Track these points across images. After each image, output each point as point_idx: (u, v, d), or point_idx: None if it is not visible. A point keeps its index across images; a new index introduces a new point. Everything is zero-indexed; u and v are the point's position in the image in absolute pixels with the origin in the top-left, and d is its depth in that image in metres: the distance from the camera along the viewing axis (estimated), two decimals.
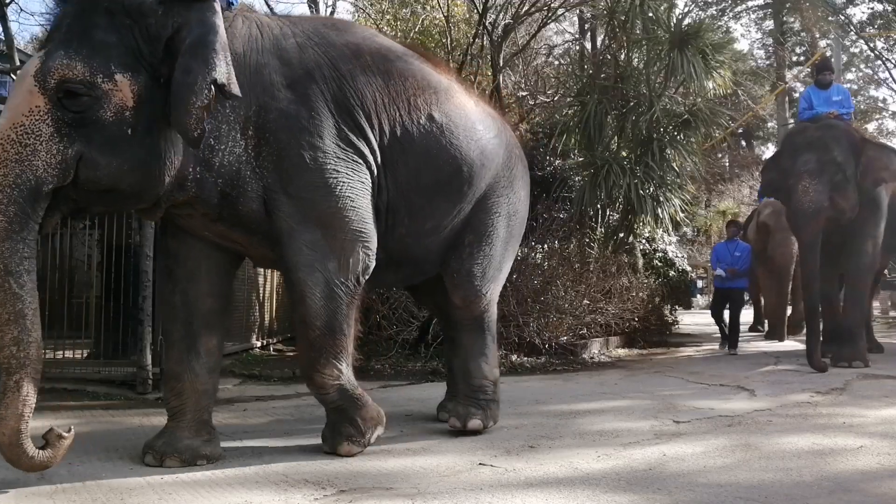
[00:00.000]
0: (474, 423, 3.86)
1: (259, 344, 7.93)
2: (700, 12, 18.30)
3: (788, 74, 22.63)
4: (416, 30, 11.03)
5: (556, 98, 10.88)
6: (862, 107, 23.23)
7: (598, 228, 9.57)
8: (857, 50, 23.59)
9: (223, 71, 2.83)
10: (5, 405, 2.61)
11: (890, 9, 20.15)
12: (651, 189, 8.76)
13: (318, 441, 3.71)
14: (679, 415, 4.51)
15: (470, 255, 3.94)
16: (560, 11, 11.22)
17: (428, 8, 11.29)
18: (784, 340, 9.98)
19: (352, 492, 2.86)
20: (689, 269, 11.80)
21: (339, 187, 3.23)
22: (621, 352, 8.38)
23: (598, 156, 8.82)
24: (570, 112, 9.59)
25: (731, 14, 23.48)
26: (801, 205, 6.83)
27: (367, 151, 3.37)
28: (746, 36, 36.84)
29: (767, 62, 23.96)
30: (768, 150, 23.48)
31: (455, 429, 3.87)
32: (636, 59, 9.52)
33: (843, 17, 20.81)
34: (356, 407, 3.40)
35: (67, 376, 5.46)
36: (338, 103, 3.31)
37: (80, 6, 2.85)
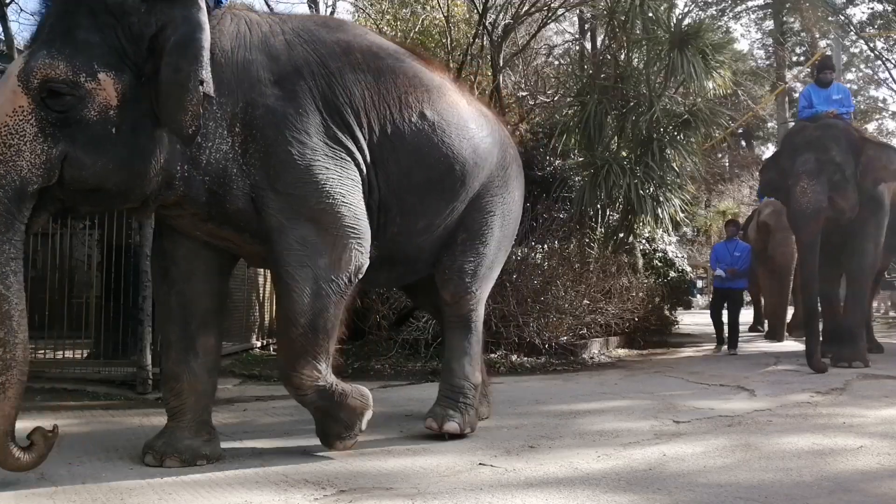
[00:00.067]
0: (451, 425, 3.76)
1: (259, 344, 7.93)
2: (700, 12, 18.33)
3: (788, 74, 22.64)
4: (416, 30, 11.04)
5: (556, 98, 10.89)
6: (862, 107, 23.24)
7: (598, 228, 9.57)
8: (857, 50, 23.60)
9: (207, 70, 2.84)
10: None
11: (890, 9, 20.15)
12: (651, 189, 8.77)
13: (318, 441, 3.71)
14: (679, 415, 4.51)
15: (462, 253, 3.93)
16: (560, 11, 11.24)
17: (428, 8, 11.30)
18: (783, 341, 9.98)
19: (352, 492, 2.86)
20: (688, 269, 11.79)
21: (329, 183, 3.18)
22: (621, 352, 8.38)
23: (598, 156, 8.82)
24: (570, 112, 9.59)
25: (731, 14, 23.50)
26: (799, 205, 6.82)
27: (355, 150, 3.34)
28: (746, 36, 36.87)
29: (767, 62, 23.97)
30: (768, 150, 23.49)
31: (431, 430, 3.77)
32: (636, 59, 9.52)
33: (843, 17, 20.81)
34: (338, 404, 3.32)
35: (67, 376, 5.46)
36: (326, 101, 3.28)
37: (63, 6, 2.84)
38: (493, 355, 6.89)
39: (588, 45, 12.68)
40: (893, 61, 20.81)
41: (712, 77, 8.80)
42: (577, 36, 13.90)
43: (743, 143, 24.09)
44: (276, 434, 3.97)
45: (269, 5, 11.39)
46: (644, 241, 10.18)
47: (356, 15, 12.66)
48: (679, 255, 11.39)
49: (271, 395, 5.37)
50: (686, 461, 3.36)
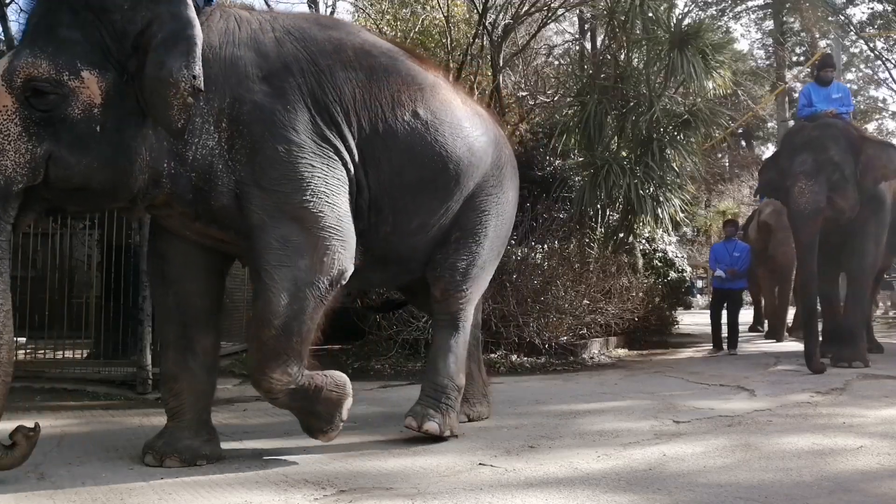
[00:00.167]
0: (431, 425, 3.68)
1: None
2: (700, 12, 18.33)
3: (788, 74, 22.63)
4: (416, 30, 11.03)
5: (556, 98, 10.89)
6: (862, 107, 23.24)
7: (598, 228, 9.57)
8: (857, 50, 23.60)
9: (199, 68, 2.83)
10: None
11: (890, 9, 20.15)
12: (651, 189, 8.76)
13: (319, 441, 3.71)
14: (679, 415, 4.51)
15: (456, 251, 3.90)
16: (560, 11, 11.24)
17: (428, 8, 11.29)
18: (783, 341, 9.97)
19: (352, 492, 2.86)
20: (688, 269, 11.79)
21: (315, 182, 3.13)
22: (621, 352, 8.38)
23: (598, 156, 8.82)
24: (570, 112, 9.59)
25: (731, 14, 23.49)
26: (797, 206, 6.79)
27: (343, 149, 3.31)
28: (746, 36, 36.92)
29: (767, 62, 23.96)
30: (768, 150, 23.49)
31: (410, 429, 3.70)
32: (636, 59, 9.52)
33: (843, 17, 20.82)
34: (313, 400, 3.25)
35: (67, 376, 5.47)
36: (315, 98, 3.26)
37: (47, 4, 2.84)
38: (493, 355, 6.89)
39: (588, 45, 12.68)
40: (893, 61, 20.83)
41: (712, 77, 8.79)
42: (577, 36, 13.90)
43: (743, 143, 24.09)
44: (276, 434, 3.96)
45: (267, 4, 11.40)
46: (644, 241, 10.18)
47: (356, 15, 12.66)
48: (679, 255, 11.39)
49: None
50: (686, 461, 3.36)
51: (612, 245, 9.16)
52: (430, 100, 3.66)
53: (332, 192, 3.19)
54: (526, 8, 10.29)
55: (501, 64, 10.39)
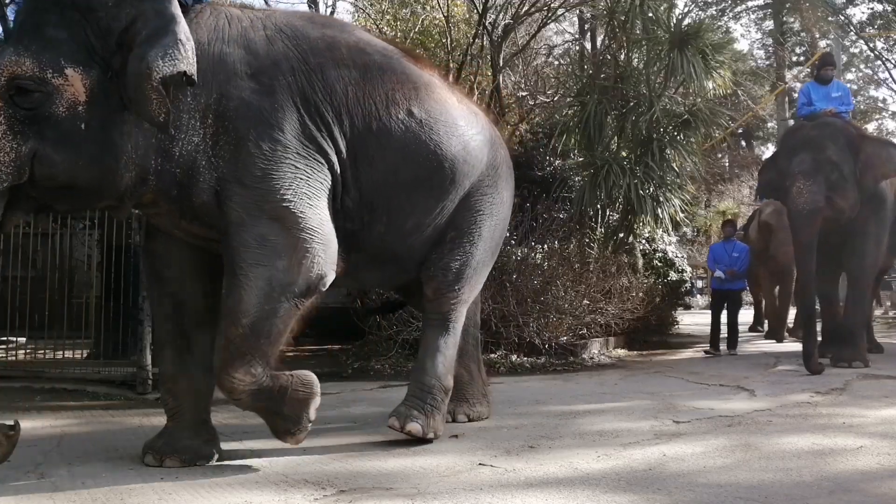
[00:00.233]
0: (413, 426, 3.62)
1: None
2: (700, 12, 18.31)
3: (788, 74, 22.62)
4: (416, 30, 11.03)
5: (556, 98, 10.88)
6: (862, 107, 23.23)
7: (598, 228, 9.56)
8: (857, 50, 23.59)
9: (191, 61, 2.81)
10: None
11: (890, 9, 20.14)
12: (651, 189, 8.75)
13: (319, 441, 3.72)
14: (679, 415, 4.51)
15: (450, 251, 3.88)
16: (560, 11, 11.23)
17: (428, 8, 11.29)
18: (783, 341, 9.96)
19: (352, 492, 2.86)
20: (688, 269, 11.78)
21: (298, 182, 3.10)
22: (621, 352, 8.37)
23: (598, 156, 8.81)
24: (570, 112, 9.58)
25: (731, 14, 23.48)
26: (796, 206, 6.75)
27: (330, 150, 3.28)
28: (746, 36, 36.88)
29: (767, 62, 23.95)
30: (768, 150, 23.47)
31: (393, 429, 3.64)
32: (636, 60, 9.51)
33: (843, 17, 20.81)
34: (278, 401, 3.14)
35: (67, 376, 5.47)
36: (304, 97, 3.24)
37: (34, 3, 2.84)
38: (493, 355, 6.89)
39: (588, 45, 12.67)
40: (893, 61, 20.83)
41: (712, 77, 8.79)
42: (577, 36, 13.89)
43: (743, 143, 24.08)
44: None
45: (266, 3, 11.39)
46: (644, 241, 10.17)
47: (356, 15, 12.66)
48: (679, 256, 11.38)
49: None
50: (686, 461, 3.36)
51: (612, 245, 9.16)
52: (426, 98, 3.65)
53: (314, 194, 3.16)
54: (526, 8, 10.29)
55: (501, 64, 10.39)
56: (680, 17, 9.33)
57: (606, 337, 8.21)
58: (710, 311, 9.05)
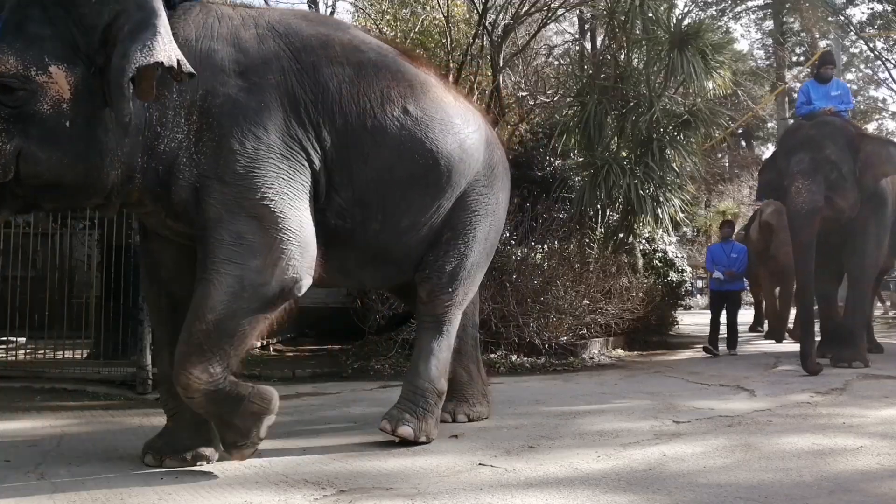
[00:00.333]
0: (405, 429, 3.59)
1: (259, 344, 7.93)
2: (700, 12, 18.31)
3: (788, 74, 22.62)
4: (416, 30, 11.03)
5: (556, 98, 10.88)
6: (862, 107, 23.23)
7: (598, 228, 9.56)
8: (856, 50, 23.59)
9: (170, 53, 2.77)
10: None
11: (890, 9, 20.14)
12: (651, 189, 8.76)
13: (318, 441, 3.72)
14: (679, 415, 4.51)
15: (445, 253, 3.85)
16: (560, 11, 11.23)
17: (428, 8, 11.29)
18: (783, 342, 9.95)
19: (352, 492, 2.86)
20: (688, 269, 11.77)
21: (279, 182, 3.07)
22: (621, 352, 8.38)
23: (598, 156, 8.81)
24: (570, 112, 9.58)
25: (731, 14, 23.47)
26: (794, 206, 6.72)
27: (316, 150, 3.25)
28: (746, 36, 36.97)
29: (767, 62, 23.95)
30: (768, 150, 23.46)
31: (384, 432, 3.62)
32: (636, 60, 9.51)
33: (843, 17, 20.80)
34: (232, 410, 3.02)
35: (67, 376, 5.47)
36: (292, 97, 3.22)
37: (18, 1, 2.81)
38: (493, 355, 6.89)
39: (588, 45, 12.67)
40: (893, 61, 20.81)
41: (712, 77, 8.79)
42: (577, 36, 13.89)
43: (743, 143, 24.08)
44: (276, 434, 3.94)
45: (266, 2, 11.40)
46: (644, 241, 10.17)
47: (356, 15, 12.66)
48: (679, 256, 11.38)
49: None
50: (686, 461, 3.36)
51: (612, 245, 9.16)
52: (421, 96, 3.63)
53: (296, 195, 3.12)
54: (526, 8, 10.29)
55: (501, 64, 10.39)
56: (680, 17, 9.33)
57: (606, 337, 8.21)
58: (710, 313, 9.04)
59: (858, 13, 22.25)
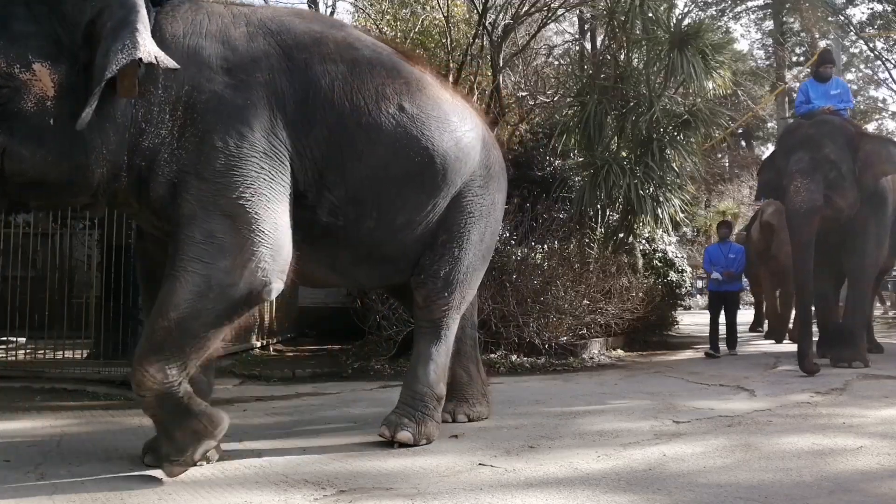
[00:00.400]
0: (404, 434, 3.59)
1: (259, 344, 7.94)
2: (700, 12, 18.34)
3: (788, 74, 22.63)
4: (416, 30, 11.03)
5: (556, 98, 10.88)
6: (862, 107, 23.23)
7: (598, 228, 9.57)
8: (856, 50, 23.60)
9: (148, 49, 2.74)
10: None
11: (890, 9, 20.14)
12: (651, 189, 8.76)
13: (318, 441, 3.72)
14: (679, 415, 4.51)
15: (440, 257, 3.82)
16: (560, 12, 11.23)
17: (428, 8, 11.29)
18: (783, 342, 9.95)
19: (352, 492, 2.86)
20: (688, 269, 11.77)
21: (259, 183, 3.01)
22: (621, 352, 8.38)
23: (598, 156, 8.82)
24: (570, 112, 9.59)
25: (730, 14, 23.49)
26: (793, 205, 6.69)
27: (306, 148, 3.22)
28: (746, 36, 36.96)
29: (767, 62, 23.96)
30: (768, 150, 23.40)
31: (383, 438, 3.62)
32: (636, 60, 9.52)
33: (843, 18, 20.82)
34: (177, 420, 2.95)
35: (67, 376, 5.47)
36: (282, 94, 3.18)
37: None
38: (493, 355, 6.89)
39: (588, 45, 12.67)
40: (893, 61, 20.83)
41: (712, 77, 8.79)
42: (577, 36, 13.90)
43: (743, 143, 24.07)
44: (276, 434, 3.96)
45: (266, 2, 11.39)
46: (644, 241, 10.18)
47: (356, 15, 12.66)
48: (679, 256, 11.39)
49: (271, 396, 5.37)
50: (686, 461, 3.36)
51: (612, 245, 9.16)
52: (417, 93, 3.61)
53: (274, 197, 3.07)
54: (526, 8, 10.29)
55: (501, 64, 10.39)
56: (680, 17, 9.34)
57: (606, 337, 8.21)
58: (709, 314, 9.03)
59: (858, 13, 22.30)
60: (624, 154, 9.25)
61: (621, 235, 9.36)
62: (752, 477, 3.08)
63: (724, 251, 8.75)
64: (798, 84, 20.88)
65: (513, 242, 7.86)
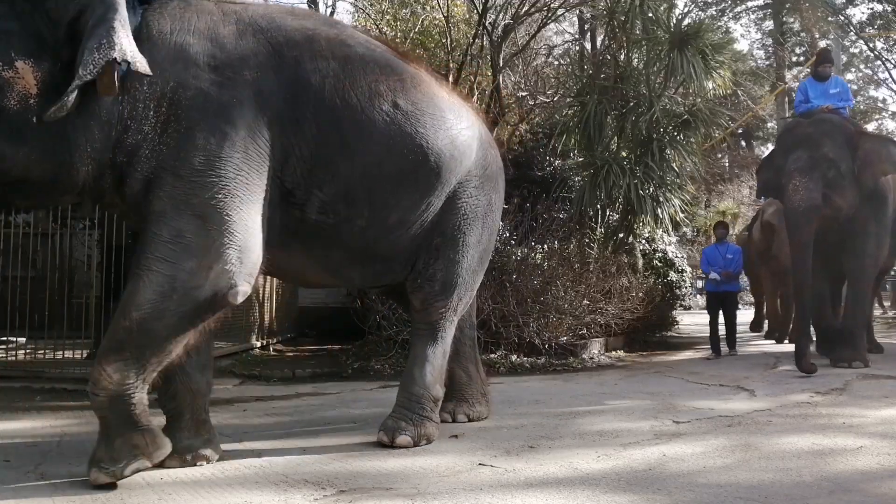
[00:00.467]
0: (403, 439, 3.59)
1: (259, 344, 7.94)
2: (700, 12, 18.34)
3: (788, 74, 22.63)
4: (416, 30, 11.04)
5: (556, 98, 10.88)
6: (862, 107, 23.23)
7: (598, 228, 9.57)
8: (856, 50, 23.60)
9: (124, 48, 2.72)
10: None
11: (890, 9, 20.15)
12: (651, 189, 8.76)
13: (318, 441, 3.72)
14: (679, 415, 4.51)
15: (436, 260, 3.79)
16: (560, 11, 11.23)
17: (428, 8, 11.29)
18: (783, 342, 9.94)
19: (352, 492, 2.86)
20: (688, 269, 11.78)
21: (236, 183, 2.97)
22: (621, 352, 8.38)
23: (598, 156, 8.82)
24: (570, 112, 9.59)
25: (730, 14, 23.50)
26: (791, 203, 6.66)
27: (293, 146, 3.18)
28: (746, 36, 36.97)
29: (767, 62, 23.97)
30: (768, 150, 23.42)
31: (382, 444, 3.61)
32: (636, 60, 9.52)
33: (843, 17, 20.82)
34: (120, 428, 2.86)
35: (67, 376, 5.47)
36: (269, 93, 3.14)
37: None
38: (493, 355, 6.89)
39: (588, 45, 12.68)
40: (893, 61, 20.82)
41: (712, 77, 8.79)
42: (577, 36, 13.90)
43: (743, 143, 24.07)
44: (276, 434, 3.96)
45: (266, 2, 11.38)
46: (644, 241, 10.18)
47: (356, 15, 12.66)
48: (679, 256, 11.39)
49: (271, 396, 5.37)
50: (686, 461, 3.36)
51: (612, 245, 9.17)
52: (411, 90, 3.57)
53: (249, 198, 3.02)
54: (526, 8, 10.29)
55: (501, 64, 10.39)
56: (680, 17, 9.34)
57: (606, 337, 8.22)
58: (708, 315, 9.01)
59: (858, 13, 22.32)
60: (624, 154, 9.25)
61: (621, 235, 9.37)
62: (752, 477, 3.08)
63: (721, 251, 8.73)
64: (798, 84, 20.91)
65: (513, 242, 7.86)
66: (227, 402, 4.98)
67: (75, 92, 2.67)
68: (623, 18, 9.28)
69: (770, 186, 7.46)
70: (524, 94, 11.57)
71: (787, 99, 20.63)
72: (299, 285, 8.41)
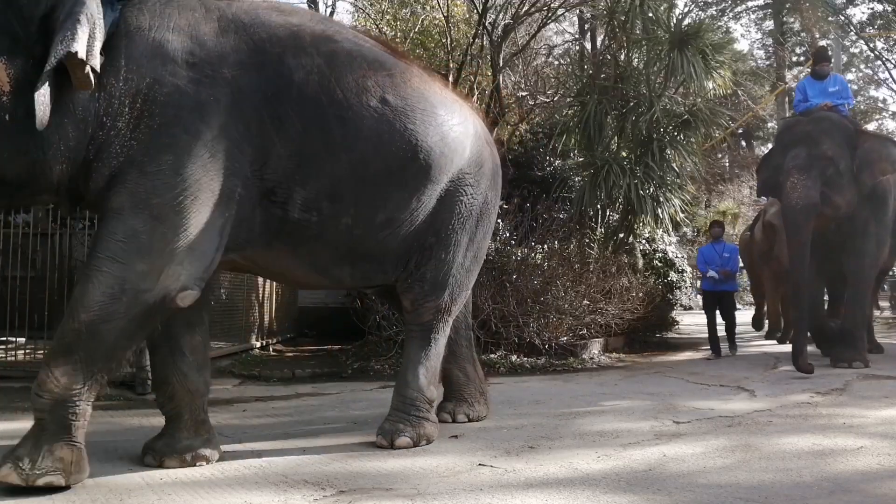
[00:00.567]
0: (403, 440, 3.57)
1: (258, 344, 7.94)
2: (700, 12, 18.34)
3: (788, 74, 22.64)
4: (416, 30, 11.04)
5: (556, 98, 10.89)
6: (862, 107, 23.24)
7: (598, 229, 9.57)
8: (857, 50, 23.61)
9: (83, 43, 2.67)
10: None
11: (890, 9, 20.16)
12: (651, 189, 8.76)
13: (318, 441, 3.72)
14: (679, 415, 4.51)
15: (428, 259, 3.73)
16: (560, 11, 11.24)
17: (428, 8, 11.30)
18: (783, 342, 9.93)
19: (351, 492, 2.86)
20: (688, 269, 11.77)
21: (200, 184, 2.91)
22: (621, 353, 8.38)
23: (598, 156, 8.82)
24: (570, 112, 9.60)
25: (731, 14, 23.53)
26: (789, 201, 6.62)
27: (273, 144, 3.12)
28: (746, 36, 37.01)
29: (767, 62, 23.98)
30: (768, 150, 23.43)
31: (381, 447, 3.60)
32: (636, 60, 9.53)
33: (843, 17, 20.83)
34: (54, 438, 2.76)
35: None
36: (249, 91, 3.08)
37: None
38: (493, 355, 6.90)
39: (588, 45, 12.69)
40: (893, 61, 20.84)
41: (712, 77, 8.80)
42: (577, 36, 13.91)
43: (743, 143, 24.07)
44: (276, 434, 3.96)
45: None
46: (644, 241, 10.18)
47: (356, 15, 12.67)
48: (679, 256, 11.39)
49: (271, 396, 5.37)
50: (686, 461, 3.36)
51: (612, 245, 9.17)
52: (401, 86, 3.50)
53: (211, 201, 2.95)
54: (526, 8, 10.29)
55: (501, 64, 10.39)
56: (680, 17, 9.36)
57: (606, 337, 8.22)
58: (705, 315, 8.99)
59: (858, 13, 22.32)
60: (624, 154, 9.26)
61: (621, 235, 9.37)
62: (752, 477, 3.08)
63: (717, 251, 8.71)
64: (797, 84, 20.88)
65: (513, 242, 7.86)
66: (226, 402, 4.98)
67: (46, 86, 2.63)
68: (623, 18, 9.28)
69: (769, 185, 7.43)
70: (524, 93, 11.58)
71: (787, 99, 20.63)
72: (292, 286, 8.39)
